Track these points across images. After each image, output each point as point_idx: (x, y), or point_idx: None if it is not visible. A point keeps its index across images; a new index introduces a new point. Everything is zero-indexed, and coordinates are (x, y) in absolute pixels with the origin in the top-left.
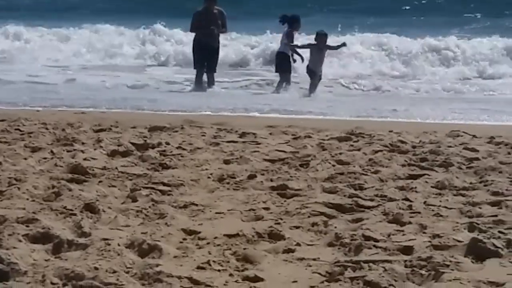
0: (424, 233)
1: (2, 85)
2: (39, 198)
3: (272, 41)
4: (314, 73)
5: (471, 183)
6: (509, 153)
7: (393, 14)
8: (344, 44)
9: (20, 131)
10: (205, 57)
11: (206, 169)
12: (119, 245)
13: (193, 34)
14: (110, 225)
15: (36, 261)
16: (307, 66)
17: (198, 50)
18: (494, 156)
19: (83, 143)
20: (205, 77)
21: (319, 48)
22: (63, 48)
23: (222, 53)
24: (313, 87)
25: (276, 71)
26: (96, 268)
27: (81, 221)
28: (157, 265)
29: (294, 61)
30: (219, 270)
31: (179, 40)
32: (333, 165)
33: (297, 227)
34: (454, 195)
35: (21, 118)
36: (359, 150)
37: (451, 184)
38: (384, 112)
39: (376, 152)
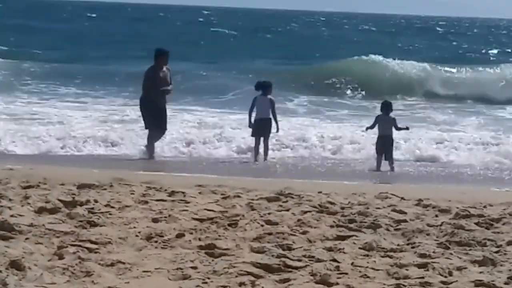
0: None
1: None
2: None
3: None
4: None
5: (398, 245)
6: (436, 216)
7: None
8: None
9: None
10: (156, 118)
11: (134, 227)
12: None
13: None
14: (36, 282)
15: None
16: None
17: (151, 110)
18: (422, 218)
19: (10, 200)
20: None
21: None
22: None
23: None
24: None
25: (255, 135)
26: None
27: (6, 278)
28: None
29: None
30: None
31: None
32: (262, 225)
33: (224, 287)
34: (382, 256)
35: None
36: (288, 210)
37: (378, 245)
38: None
39: (305, 212)
